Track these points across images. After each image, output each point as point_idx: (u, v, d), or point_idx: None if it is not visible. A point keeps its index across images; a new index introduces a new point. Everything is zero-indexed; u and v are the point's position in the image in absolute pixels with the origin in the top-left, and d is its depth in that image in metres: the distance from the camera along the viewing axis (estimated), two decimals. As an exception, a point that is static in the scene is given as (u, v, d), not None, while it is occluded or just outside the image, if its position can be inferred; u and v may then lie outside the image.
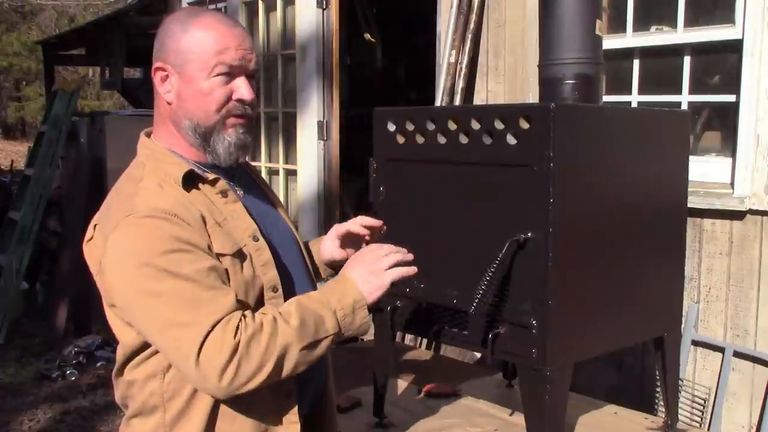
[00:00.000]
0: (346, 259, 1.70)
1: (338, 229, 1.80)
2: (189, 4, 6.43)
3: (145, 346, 1.44)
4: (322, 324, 1.41)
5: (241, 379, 1.32)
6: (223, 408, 1.44)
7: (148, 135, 1.55)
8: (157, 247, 1.33)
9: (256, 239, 1.48)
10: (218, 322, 1.32)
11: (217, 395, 1.37)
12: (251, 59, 1.49)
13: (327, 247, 1.80)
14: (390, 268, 1.51)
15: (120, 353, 1.49)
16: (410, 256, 1.56)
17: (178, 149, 1.50)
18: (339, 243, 1.79)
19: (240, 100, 1.48)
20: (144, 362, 1.46)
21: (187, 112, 1.47)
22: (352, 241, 1.80)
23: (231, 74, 1.46)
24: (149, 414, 1.47)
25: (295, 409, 1.50)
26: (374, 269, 1.50)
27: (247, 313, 1.37)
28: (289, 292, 1.52)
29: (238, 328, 1.33)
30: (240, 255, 1.44)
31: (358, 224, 1.77)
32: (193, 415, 1.44)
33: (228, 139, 1.48)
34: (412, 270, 1.54)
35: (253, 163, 1.71)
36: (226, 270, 1.41)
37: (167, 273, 1.33)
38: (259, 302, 1.47)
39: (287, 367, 1.37)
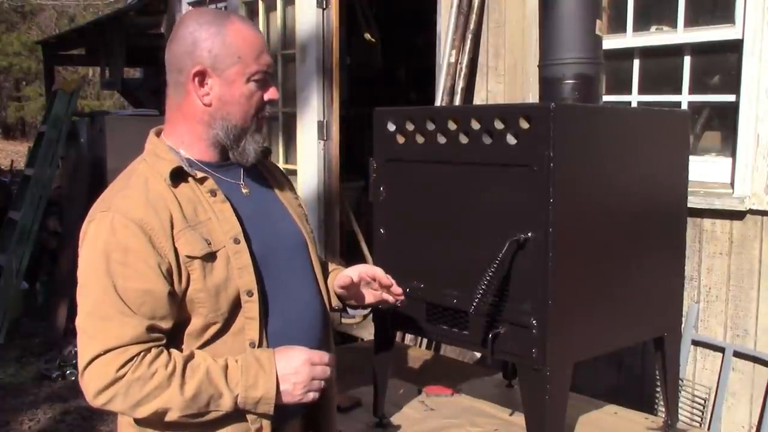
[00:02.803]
0: (354, 291, 1.74)
1: (363, 271, 1.76)
2: (190, 4, 6.44)
3: None
4: (217, 399, 1.41)
5: (114, 407, 1.39)
6: None
7: (158, 133, 1.58)
8: (106, 251, 1.39)
9: (236, 242, 1.48)
10: (114, 348, 1.37)
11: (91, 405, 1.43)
12: (272, 62, 1.58)
13: (343, 276, 1.76)
14: (313, 388, 1.49)
15: None
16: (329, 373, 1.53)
17: (189, 147, 1.53)
18: (357, 280, 1.76)
19: (270, 101, 1.56)
20: None
21: (225, 114, 1.51)
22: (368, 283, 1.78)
23: (264, 79, 1.53)
24: None
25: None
26: (299, 382, 1.46)
27: (153, 350, 1.39)
28: (270, 297, 1.53)
29: (129, 362, 1.37)
30: (210, 257, 1.45)
31: (381, 277, 1.74)
32: None
33: (258, 139, 1.56)
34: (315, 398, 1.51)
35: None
36: (189, 275, 1.42)
37: (103, 280, 1.39)
38: (235, 305, 1.47)
39: (166, 419, 1.40)
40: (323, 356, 1.51)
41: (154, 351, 1.39)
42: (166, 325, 1.42)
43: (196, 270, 1.43)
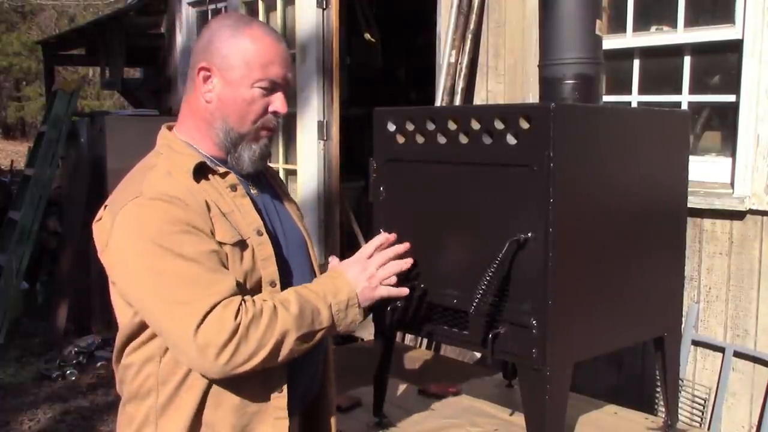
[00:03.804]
0: None
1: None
2: (189, 4, 6.44)
3: (142, 328, 1.47)
4: (318, 315, 1.46)
5: (238, 360, 1.36)
6: (211, 397, 1.47)
7: (170, 128, 1.60)
8: (161, 227, 1.38)
9: (260, 234, 1.51)
10: (219, 302, 1.36)
11: (211, 374, 1.40)
12: (290, 77, 1.57)
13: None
14: (384, 281, 1.56)
15: (118, 336, 1.53)
16: (407, 264, 1.61)
17: (199, 143, 1.55)
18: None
19: (275, 113, 1.55)
20: (143, 345, 1.49)
21: (223, 115, 1.52)
22: None
23: (271, 89, 1.53)
24: (144, 398, 1.50)
25: (284, 404, 1.51)
26: (370, 277, 1.55)
27: (247, 297, 1.41)
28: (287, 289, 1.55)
29: (239, 310, 1.37)
30: (241, 245, 1.47)
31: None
32: (183, 401, 1.47)
33: (255, 149, 1.55)
34: (402, 291, 1.60)
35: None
36: (226, 256, 1.44)
37: (170, 252, 1.37)
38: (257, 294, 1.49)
39: (283, 353, 1.41)
40: (368, 247, 1.59)
41: (248, 298, 1.41)
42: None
43: (228, 256, 1.45)
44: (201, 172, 1.50)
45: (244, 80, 1.50)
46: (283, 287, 1.53)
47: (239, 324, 1.35)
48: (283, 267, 1.56)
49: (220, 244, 1.43)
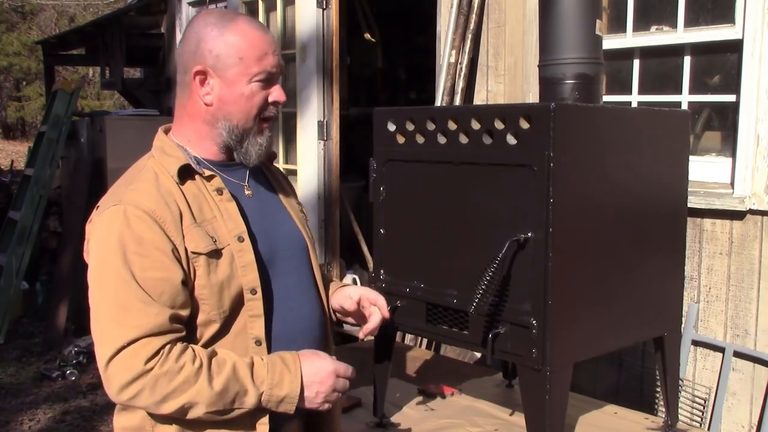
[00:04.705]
0: (354, 312, 1.73)
1: (365, 296, 1.76)
2: (189, 4, 6.44)
3: None
4: (243, 396, 1.42)
5: (139, 403, 1.38)
6: None
7: (166, 131, 1.60)
8: (123, 242, 1.39)
9: (241, 240, 1.50)
10: (138, 339, 1.36)
11: (114, 402, 1.43)
12: (282, 64, 1.57)
13: (343, 295, 1.77)
14: (331, 399, 1.51)
15: None
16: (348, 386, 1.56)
17: (196, 146, 1.55)
18: (357, 301, 1.76)
19: (275, 103, 1.55)
20: None
21: (226, 114, 1.52)
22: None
23: (269, 80, 1.53)
24: (135, 407, 1.49)
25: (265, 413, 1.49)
26: (319, 393, 1.49)
27: (178, 345, 1.39)
28: (272, 296, 1.54)
29: (156, 355, 1.36)
30: (216, 254, 1.46)
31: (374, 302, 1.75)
32: None
33: (261, 141, 1.56)
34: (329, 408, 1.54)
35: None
36: (195, 270, 1.43)
37: (119, 271, 1.38)
38: (237, 302, 1.48)
39: (190, 415, 1.40)
40: (347, 370, 1.52)
41: (179, 346, 1.39)
42: (185, 313, 1.43)
43: (201, 266, 1.44)
44: (187, 174, 1.50)
45: (242, 77, 1.50)
46: (266, 294, 1.52)
47: (149, 370, 1.35)
48: (269, 273, 1.54)
49: (194, 254, 1.43)
